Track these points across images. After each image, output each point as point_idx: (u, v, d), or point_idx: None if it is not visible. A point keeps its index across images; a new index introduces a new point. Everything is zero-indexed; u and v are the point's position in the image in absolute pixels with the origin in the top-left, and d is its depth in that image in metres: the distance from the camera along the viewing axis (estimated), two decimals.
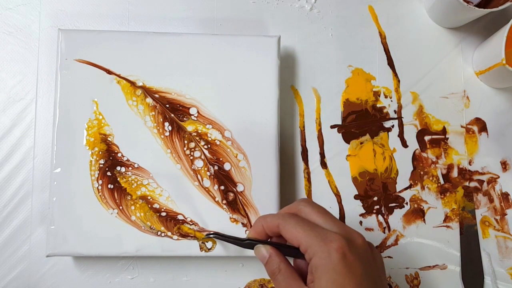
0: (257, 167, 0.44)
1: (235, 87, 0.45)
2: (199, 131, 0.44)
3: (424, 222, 0.48)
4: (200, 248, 0.42)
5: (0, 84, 0.48)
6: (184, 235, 0.43)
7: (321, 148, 0.49)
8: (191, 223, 0.43)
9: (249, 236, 0.37)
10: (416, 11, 0.51)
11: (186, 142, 0.44)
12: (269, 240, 0.36)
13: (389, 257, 0.48)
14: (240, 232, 0.43)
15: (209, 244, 0.43)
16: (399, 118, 0.49)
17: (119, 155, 0.44)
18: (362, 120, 0.49)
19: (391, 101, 0.50)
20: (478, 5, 0.45)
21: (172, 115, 0.44)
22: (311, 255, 0.32)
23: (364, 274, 0.32)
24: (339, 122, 0.49)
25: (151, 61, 0.44)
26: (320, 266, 0.31)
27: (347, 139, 0.49)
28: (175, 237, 0.43)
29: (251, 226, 0.43)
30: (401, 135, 0.49)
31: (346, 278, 0.31)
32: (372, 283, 0.32)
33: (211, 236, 0.40)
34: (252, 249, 0.36)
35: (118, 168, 0.44)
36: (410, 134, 0.49)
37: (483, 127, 0.50)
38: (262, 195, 0.44)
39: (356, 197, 0.48)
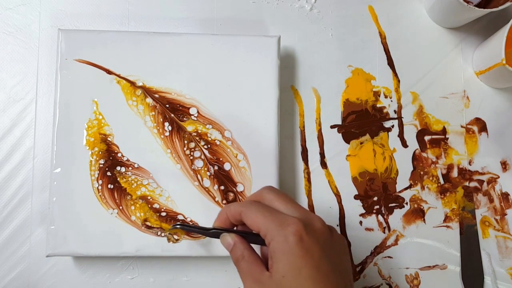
0: (257, 167, 0.44)
1: (235, 87, 0.45)
2: (199, 131, 0.44)
3: (424, 222, 0.48)
4: (168, 239, 0.42)
5: (0, 84, 0.48)
6: (151, 227, 0.43)
7: (321, 148, 0.49)
8: (191, 223, 0.43)
9: (214, 225, 0.37)
10: (416, 11, 0.51)
11: (186, 142, 0.44)
12: (235, 228, 0.37)
13: (389, 257, 0.48)
14: None
15: (177, 236, 0.43)
16: (399, 118, 0.49)
17: (119, 155, 0.44)
18: (362, 120, 0.49)
19: (391, 101, 0.50)
20: (478, 5, 0.45)
21: (172, 115, 0.44)
22: (269, 239, 0.32)
23: (323, 256, 0.32)
24: (339, 122, 0.49)
25: (151, 61, 0.44)
26: (278, 249, 0.32)
27: (347, 139, 0.49)
28: (175, 237, 0.43)
29: None
30: (401, 135, 0.49)
31: (303, 261, 0.31)
32: (331, 266, 0.32)
33: (178, 226, 0.40)
34: (218, 238, 0.36)
35: (118, 168, 0.44)
36: (410, 134, 0.49)
37: (483, 127, 0.50)
38: None
39: (356, 197, 0.48)
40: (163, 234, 0.43)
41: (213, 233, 0.37)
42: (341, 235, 0.36)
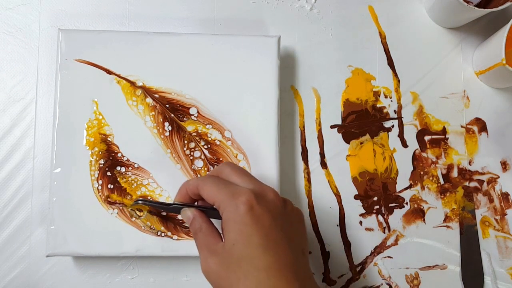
0: (257, 167, 0.44)
1: (235, 87, 0.45)
2: (199, 131, 0.44)
3: (424, 222, 0.48)
4: (131, 216, 0.42)
5: (0, 84, 0.48)
6: (112, 203, 0.43)
7: (321, 148, 0.49)
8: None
9: (175, 200, 0.38)
10: (416, 11, 0.51)
11: (186, 142, 0.44)
12: (195, 204, 0.38)
13: (389, 257, 0.48)
14: None
15: (139, 212, 0.43)
16: (399, 118, 0.49)
17: (119, 155, 0.44)
18: (362, 120, 0.49)
19: (391, 101, 0.50)
20: (478, 5, 0.45)
21: (172, 115, 0.44)
22: (222, 210, 0.33)
23: (273, 225, 0.32)
24: (339, 122, 0.49)
25: (151, 61, 0.44)
26: (229, 219, 0.32)
27: (347, 139, 0.49)
28: (175, 237, 0.43)
29: None
30: (401, 135, 0.49)
31: (253, 229, 0.32)
32: (282, 235, 0.33)
33: (140, 202, 0.41)
34: (179, 213, 0.37)
35: (118, 168, 0.44)
36: (410, 134, 0.49)
37: (483, 127, 0.50)
38: None
39: (356, 197, 0.48)
40: (126, 210, 0.43)
41: (174, 208, 0.38)
42: (298, 208, 0.37)
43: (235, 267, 0.32)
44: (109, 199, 0.43)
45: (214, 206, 0.34)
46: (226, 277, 0.32)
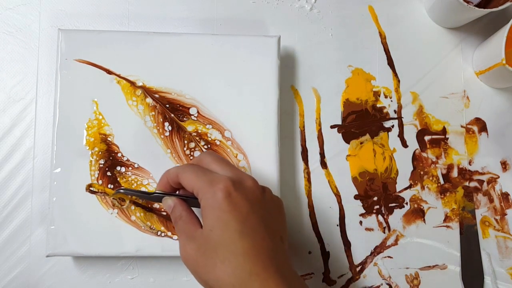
0: (257, 167, 0.44)
1: (235, 87, 0.45)
2: (199, 131, 0.44)
3: (424, 222, 0.48)
4: (113, 205, 0.43)
5: (0, 84, 0.48)
6: (95, 192, 0.43)
7: (321, 148, 0.49)
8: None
9: (156, 189, 0.38)
10: (416, 11, 0.51)
11: (186, 142, 0.44)
12: (177, 193, 0.38)
13: (389, 257, 0.48)
14: None
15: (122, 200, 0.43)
16: (399, 118, 0.49)
17: (119, 155, 0.44)
18: (362, 120, 0.49)
19: (391, 101, 0.50)
20: (478, 5, 0.45)
21: (172, 115, 0.44)
22: (200, 197, 0.33)
23: (251, 212, 0.33)
24: (339, 122, 0.49)
25: (151, 61, 0.44)
26: (207, 206, 0.33)
27: (347, 139, 0.49)
28: (175, 237, 0.43)
29: None
30: (401, 135, 0.49)
31: (230, 215, 0.32)
32: (260, 221, 0.33)
33: (121, 191, 0.41)
34: (161, 202, 0.38)
35: (118, 168, 0.44)
36: (410, 134, 0.49)
37: (483, 127, 0.50)
38: None
39: (356, 197, 0.48)
40: (108, 199, 0.43)
41: (155, 197, 0.38)
42: (277, 197, 0.38)
43: (212, 253, 0.32)
44: (91, 188, 0.43)
45: (193, 194, 0.35)
46: (203, 263, 0.32)
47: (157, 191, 0.38)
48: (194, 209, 0.37)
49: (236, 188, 0.33)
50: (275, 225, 0.35)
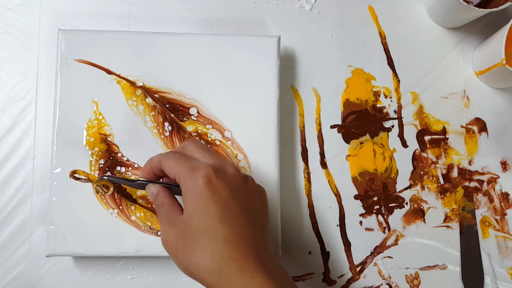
0: (257, 167, 0.44)
1: (235, 87, 0.45)
2: (199, 131, 0.44)
3: (424, 222, 0.48)
4: (96, 192, 0.43)
5: (0, 84, 0.48)
6: (79, 179, 0.43)
7: (321, 148, 0.49)
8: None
9: (140, 177, 0.38)
10: (416, 11, 0.51)
11: None
12: (161, 181, 0.38)
13: (389, 257, 0.48)
14: None
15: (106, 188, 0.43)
16: (399, 118, 0.49)
17: (119, 155, 0.44)
18: (362, 120, 0.49)
19: (391, 101, 0.50)
20: (478, 5, 0.45)
21: (172, 115, 0.44)
22: (182, 183, 0.34)
23: (231, 198, 0.33)
24: (339, 122, 0.49)
25: (151, 61, 0.44)
26: (188, 192, 0.33)
27: (347, 139, 0.49)
28: (104, 189, 0.43)
29: None
30: (401, 135, 0.49)
31: (210, 201, 0.32)
32: (240, 208, 0.33)
33: (105, 178, 0.41)
34: (144, 189, 0.38)
35: (118, 168, 0.44)
36: (410, 134, 0.49)
37: (483, 127, 0.50)
38: None
39: (356, 197, 0.48)
40: (92, 186, 0.43)
41: (139, 184, 0.38)
42: (260, 185, 0.38)
43: (191, 238, 0.32)
44: (75, 175, 0.43)
45: (176, 181, 0.35)
46: (183, 248, 0.33)
47: (140, 179, 0.38)
48: (177, 197, 0.37)
49: (217, 175, 0.33)
50: (256, 212, 0.35)
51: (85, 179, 0.43)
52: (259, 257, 0.32)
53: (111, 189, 0.43)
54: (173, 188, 0.37)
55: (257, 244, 0.33)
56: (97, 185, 0.43)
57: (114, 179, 0.41)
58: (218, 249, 0.31)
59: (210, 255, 0.31)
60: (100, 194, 0.43)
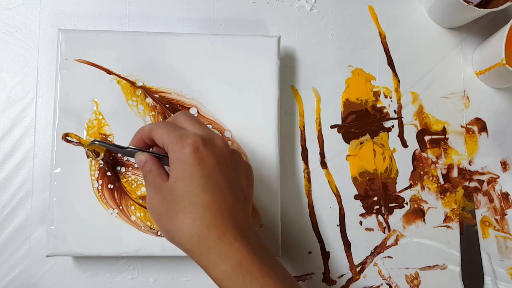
0: (257, 167, 0.44)
1: (235, 87, 0.45)
2: None
3: (424, 222, 0.48)
4: (87, 156, 0.43)
5: (0, 84, 0.48)
6: (70, 141, 0.43)
7: (321, 148, 0.49)
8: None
9: (130, 144, 0.39)
10: (416, 11, 0.51)
11: None
12: (150, 150, 0.38)
13: (389, 257, 0.48)
14: None
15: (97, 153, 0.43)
16: (399, 118, 0.49)
17: (119, 155, 0.44)
18: (362, 120, 0.49)
19: (391, 101, 0.50)
20: (478, 5, 0.45)
21: (172, 115, 0.44)
22: (169, 151, 0.34)
23: (216, 168, 0.33)
24: (339, 122, 0.49)
25: (151, 61, 0.45)
26: (175, 159, 0.33)
27: (347, 139, 0.49)
28: (95, 154, 0.43)
29: None
30: (401, 135, 0.49)
31: (195, 168, 0.33)
32: (224, 178, 0.34)
33: (96, 143, 0.41)
34: (133, 157, 0.39)
35: (118, 168, 0.44)
36: (410, 134, 0.49)
37: (483, 127, 0.50)
38: (262, 195, 0.44)
39: (356, 197, 0.48)
40: (83, 150, 0.43)
41: (129, 151, 0.38)
42: (247, 163, 0.38)
43: (174, 204, 0.33)
44: (67, 137, 0.43)
45: (164, 149, 0.35)
46: (166, 213, 0.33)
47: (130, 146, 0.38)
48: (166, 168, 0.38)
49: (205, 144, 0.34)
50: (240, 185, 0.35)
51: (76, 142, 0.43)
52: (239, 226, 0.33)
53: (102, 154, 0.42)
54: (162, 159, 0.38)
55: (238, 214, 0.34)
56: (88, 149, 0.42)
57: (105, 144, 0.41)
58: (199, 215, 0.32)
59: (191, 220, 0.32)
60: (90, 158, 0.43)
